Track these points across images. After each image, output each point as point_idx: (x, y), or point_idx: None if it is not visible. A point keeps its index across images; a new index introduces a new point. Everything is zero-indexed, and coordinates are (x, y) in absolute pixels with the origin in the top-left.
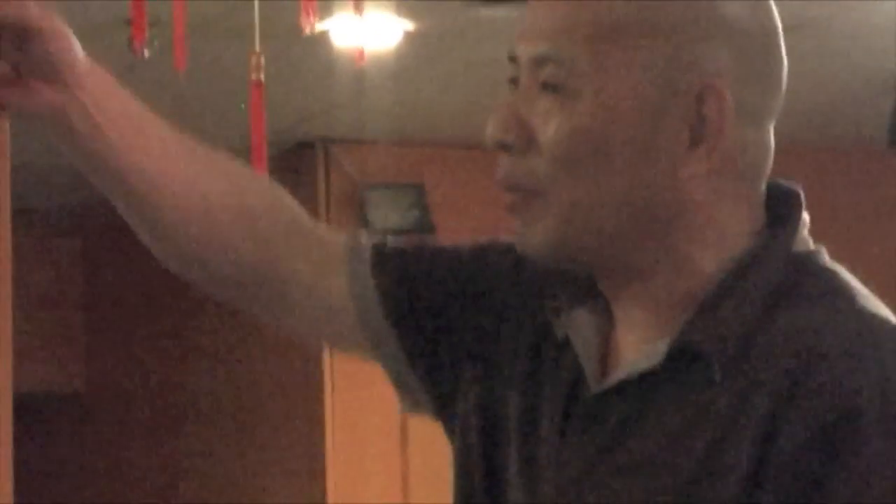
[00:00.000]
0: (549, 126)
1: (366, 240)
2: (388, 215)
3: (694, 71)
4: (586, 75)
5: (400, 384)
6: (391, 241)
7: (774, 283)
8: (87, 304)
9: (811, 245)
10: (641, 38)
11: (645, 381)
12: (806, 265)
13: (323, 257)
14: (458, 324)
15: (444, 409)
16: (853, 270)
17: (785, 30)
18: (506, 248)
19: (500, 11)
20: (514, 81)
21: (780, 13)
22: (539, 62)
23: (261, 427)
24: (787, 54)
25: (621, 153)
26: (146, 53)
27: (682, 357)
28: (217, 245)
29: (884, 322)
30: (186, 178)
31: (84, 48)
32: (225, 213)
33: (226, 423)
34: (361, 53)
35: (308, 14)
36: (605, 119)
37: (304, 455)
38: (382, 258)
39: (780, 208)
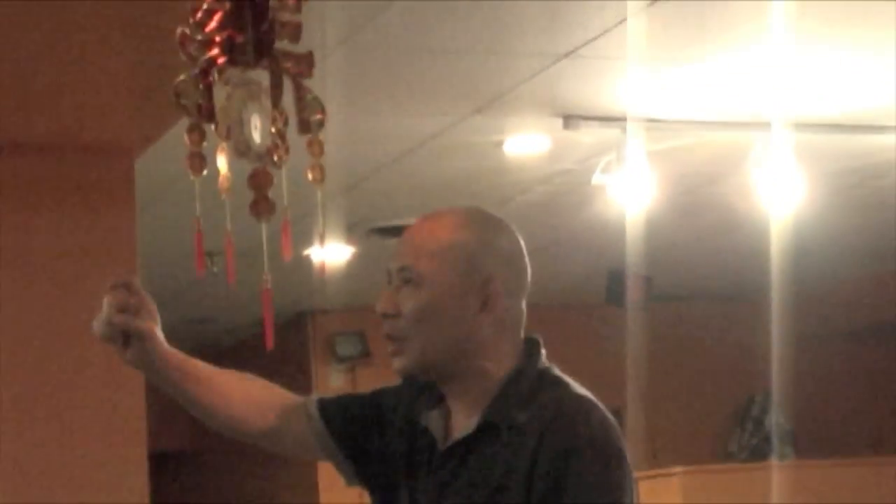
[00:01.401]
0: (407, 303)
1: (311, 399)
2: (347, 349)
3: (481, 270)
4: (424, 276)
5: (342, 471)
6: (327, 396)
7: (529, 384)
8: None
9: (547, 364)
10: (452, 254)
11: (467, 442)
12: (546, 373)
13: (292, 414)
14: (371, 433)
15: (368, 483)
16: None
17: (543, 245)
18: (393, 388)
19: (396, 241)
20: (389, 280)
21: (540, 235)
22: (402, 270)
23: (286, 477)
24: (545, 255)
25: (442, 315)
26: (213, 270)
27: (486, 427)
28: (238, 422)
29: (586, 399)
30: (216, 392)
31: (165, 274)
32: (239, 406)
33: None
34: (323, 266)
35: (287, 250)
36: (434, 298)
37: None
38: (324, 406)
39: (530, 345)
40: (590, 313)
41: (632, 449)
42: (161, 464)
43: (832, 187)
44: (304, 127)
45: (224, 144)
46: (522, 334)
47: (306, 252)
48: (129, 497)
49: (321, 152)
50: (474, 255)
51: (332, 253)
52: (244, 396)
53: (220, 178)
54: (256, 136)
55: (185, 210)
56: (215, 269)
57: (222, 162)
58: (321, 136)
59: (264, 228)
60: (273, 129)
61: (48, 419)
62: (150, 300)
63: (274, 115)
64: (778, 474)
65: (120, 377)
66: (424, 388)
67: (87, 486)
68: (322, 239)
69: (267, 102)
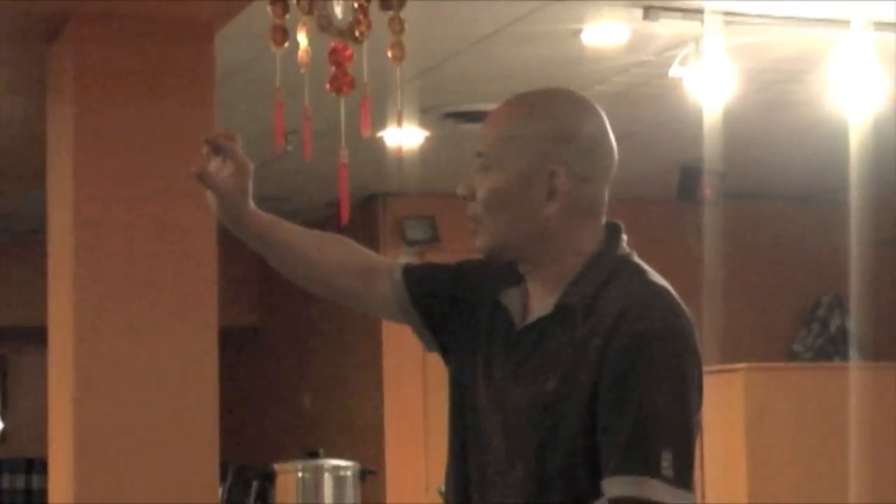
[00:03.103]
0: (480, 188)
1: (398, 263)
2: (416, 233)
3: (547, 160)
4: (494, 161)
5: (421, 337)
6: (413, 262)
7: (608, 270)
8: (259, 260)
9: (627, 250)
10: (521, 142)
11: (543, 322)
12: (624, 260)
13: (377, 276)
14: (452, 304)
15: (445, 351)
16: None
17: (618, 137)
18: (476, 261)
19: (471, 126)
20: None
21: (614, 127)
22: (478, 154)
23: (350, 355)
24: (619, 147)
25: (509, 202)
26: (287, 148)
27: (562, 309)
28: (322, 280)
29: (663, 288)
30: (301, 249)
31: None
32: (324, 264)
33: (340, 343)
34: (400, 149)
35: (365, 127)
36: (501, 184)
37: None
38: (409, 272)
39: (611, 232)
40: (661, 208)
41: (701, 344)
42: (228, 339)
43: None
44: (386, 4)
45: (305, 18)
46: (604, 219)
47: (380, 134)
48: (198, 370)
49: (402, 30)
50: (544, 141)
51: (405, 136)
52: (331, 256)
53: (300, 52)
54: (338, 11)
55: (262, 87)
56: (289, 148)
57: (303, 36)
58: (402, 14)
59: (343, 104)
60: (356, 4)
61: (119, 294)
62: (240, 160)
63: None
64: (840, 375)
65: (193, 252)
66: (507, 266)
67: (157, 359)
68: (400, 119)
69: None
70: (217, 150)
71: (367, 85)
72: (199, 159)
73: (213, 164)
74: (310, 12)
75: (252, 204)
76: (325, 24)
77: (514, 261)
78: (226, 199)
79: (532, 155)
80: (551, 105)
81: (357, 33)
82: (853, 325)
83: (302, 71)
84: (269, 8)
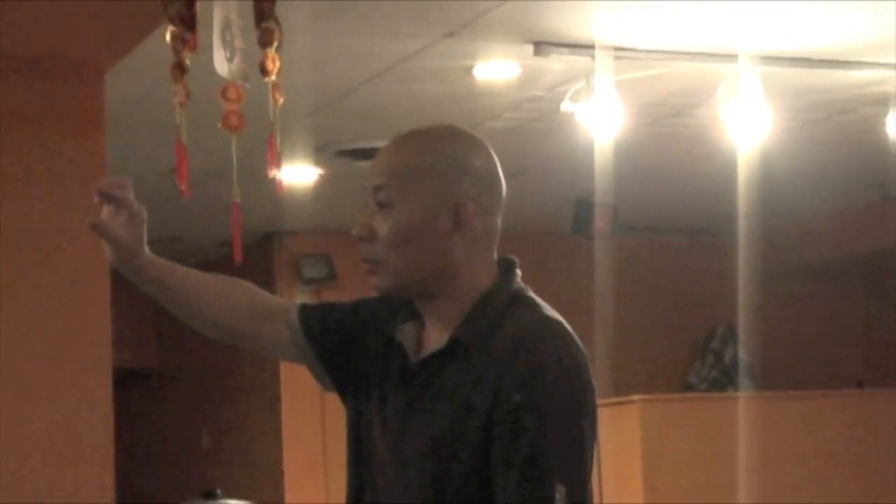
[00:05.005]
0: (382, 227)
1: (293, 304)
2: (312, 272)
3: (453, 193)
4: (397, 197)
5: (318, 377)
6: (309, 302)
7: (503, 304)
8: (157, 302)
9: (522, 285)
10: (424, 177)
11: (437, 357)
12: (519, 295)
13: (273, 318)
14: (347, 343)
15: (342, 390)
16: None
17: (511, 172)
18: (372, 299)
19: (365, 163)
20: (365, 202)
21: (508, 162)
22: (376, 189)
23: (248, 394)
24: (512, 183)
25: (416, 238)
26: (178, 188)
27: (455, 344)
28: (219, 324)
29: (557, 323)
30: (196, 294)
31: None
32: (219, 308)
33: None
34: (281, 185)
35: (272, 164)
36: (406, 220)
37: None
38: (304, 312)
39: (506, 267)
40: (555, 242)
41: (595, 378)
42: (125, 381)
43: (799, 122)
44: (264, 41)
45: (185, 55)
46: (496, 252)
47: (274, 172)
48: (92, 412)
49: (275, 69)
50: (447, 175)
51: (299, 175)
52: (228, 300)
53: (178, 91)
54: (227, 52)
55: (153, 126)
56: (182, 187)
57: (178, 75)
58: (284, 54)
59: (234, 142)
60: (268, 52)
61: (11, 336)
62: (134, 207)
63: (266, 30)
64: (735, 405)
65: (86, 294)
66: (402, 302)
67: (49, 402)
68: (279, 160)
69: (237, 18)
70: (109, 199)
71: (275, 124)
72: (91, 208)
73: (106, 212)
74: (190, 48)
75: (147, 250)
76: (219, 63)
77: (411, 297)
78: (121, 247)
79: (436, 189)
80: (447, 140)
81: (264, 75)
82: (745, 355)
83: (178, 110)
84: (169, 45)
